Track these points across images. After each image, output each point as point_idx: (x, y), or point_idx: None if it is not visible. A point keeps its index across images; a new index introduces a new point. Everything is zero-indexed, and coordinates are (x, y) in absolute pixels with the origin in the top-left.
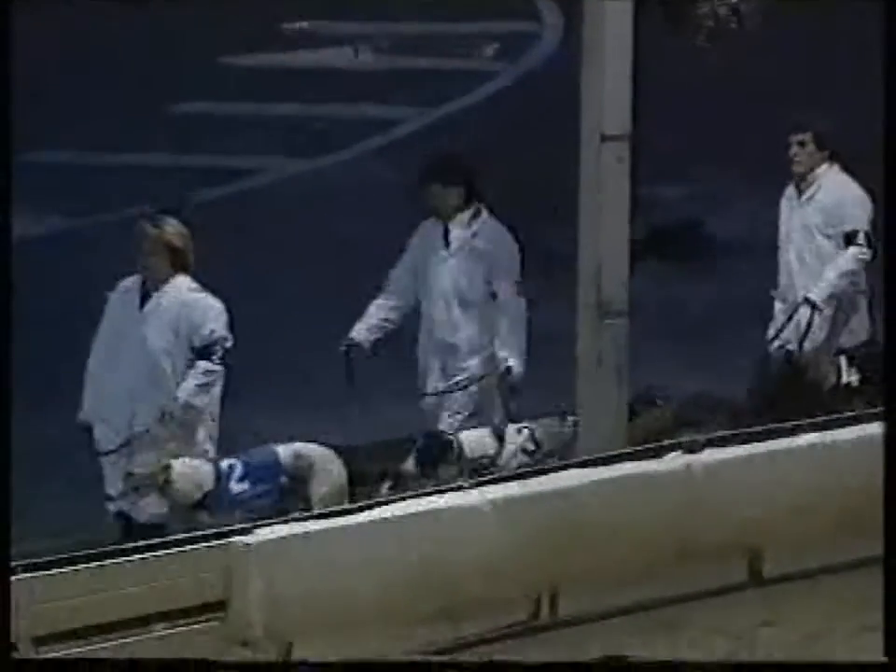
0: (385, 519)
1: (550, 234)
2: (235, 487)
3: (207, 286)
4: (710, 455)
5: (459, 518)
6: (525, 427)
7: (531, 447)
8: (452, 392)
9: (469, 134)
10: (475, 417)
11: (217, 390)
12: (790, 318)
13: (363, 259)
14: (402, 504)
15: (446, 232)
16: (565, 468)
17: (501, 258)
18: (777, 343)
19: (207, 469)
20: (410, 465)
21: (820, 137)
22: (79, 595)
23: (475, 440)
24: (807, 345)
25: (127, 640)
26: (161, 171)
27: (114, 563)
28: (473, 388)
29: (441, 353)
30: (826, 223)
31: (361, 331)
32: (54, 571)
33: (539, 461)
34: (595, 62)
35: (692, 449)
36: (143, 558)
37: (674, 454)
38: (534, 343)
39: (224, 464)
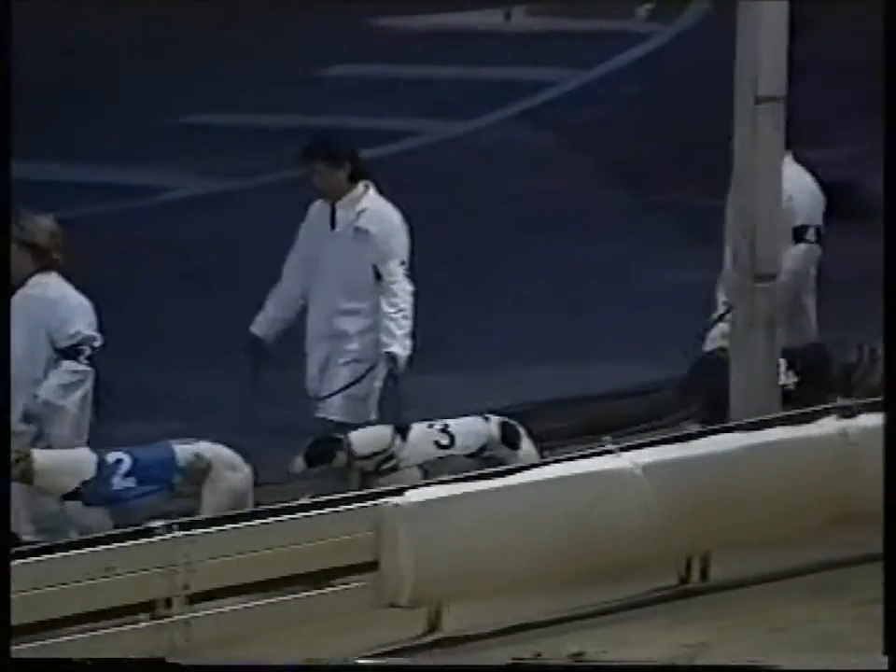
0: (536, 482)
1: (703, 196)
2: (119, 482)
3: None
4: (866, 419)
5: (611, 482)
6: (437, 422)
7: (445, 441)
8: (347, 388)
9: (621, 96)
10: (368, 408)
11: (85, 388)
12: (721, 317)
13: (518, 219)
14: (553, 467)
15: (333, 213)
16: (718, 432)
17: (388, 239)
18: (715, 344)
19: (85, 460)
20: (298, 465)
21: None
22: (236, 552)
23: (366, 436)
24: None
25: (285, 598)
26: (316, 132)
27: (268, 522)
28: (366, 378)
29: (329, 340)
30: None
31: (261, 326)
32: (213, 529)
33: (453, 458)
34: (751, 21)
35: (847, 414)
36: (294, 518)
37: (829, 418)
38: (683, 308)
39: (110, 457)
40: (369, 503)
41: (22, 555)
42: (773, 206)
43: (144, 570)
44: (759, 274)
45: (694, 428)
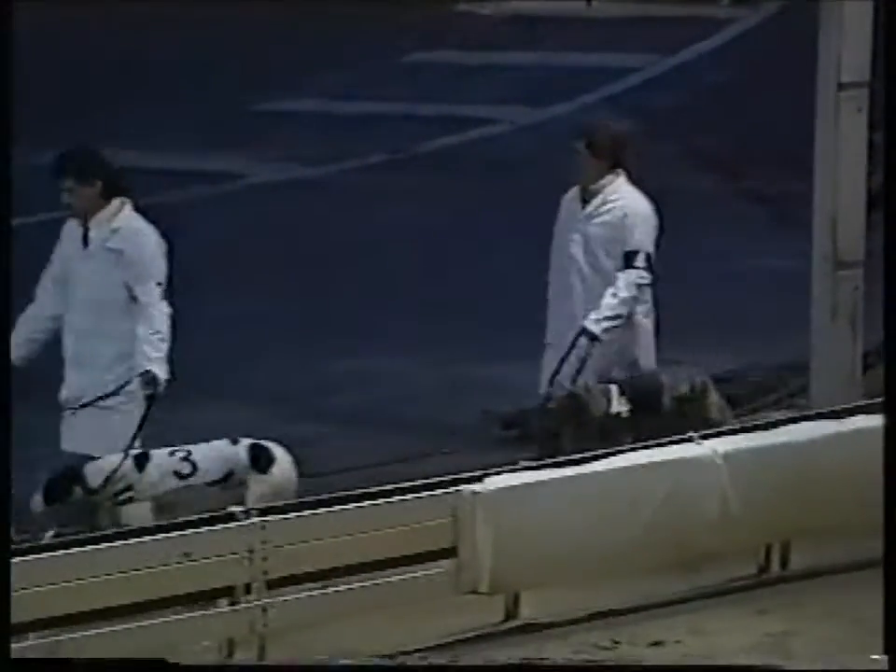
0: (615, 469)
1: (787, 183)
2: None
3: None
4: None
5: (691, 470)
6: (180, 450)
7: (186, 470)
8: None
9: (704, 82)
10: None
11: None
12: (571, 348)
13: None
14: (632, 455)
15: (86, 232)
16: (799, 420)
17: (141, 259)
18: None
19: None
20: (37, 503)
21: (595, 146)
22: (314, 538)
23: (98, 466)
24: (583, 378)
25: (364, 584)
26: (398, 119)
27: (347, 508)
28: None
29: (83, 364)
30: (610, 240)
31: (15, 348)
32: (292, 515)
33: (193, 487)
34: (835, 8)
35: None
36: (373, 504)
37: None
38: (770, 292)
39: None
40: (448, 490)
41: (96, 541)
42: (855, 194)
43: (222, 556)
44: (841, 262)
45: (775, 416)
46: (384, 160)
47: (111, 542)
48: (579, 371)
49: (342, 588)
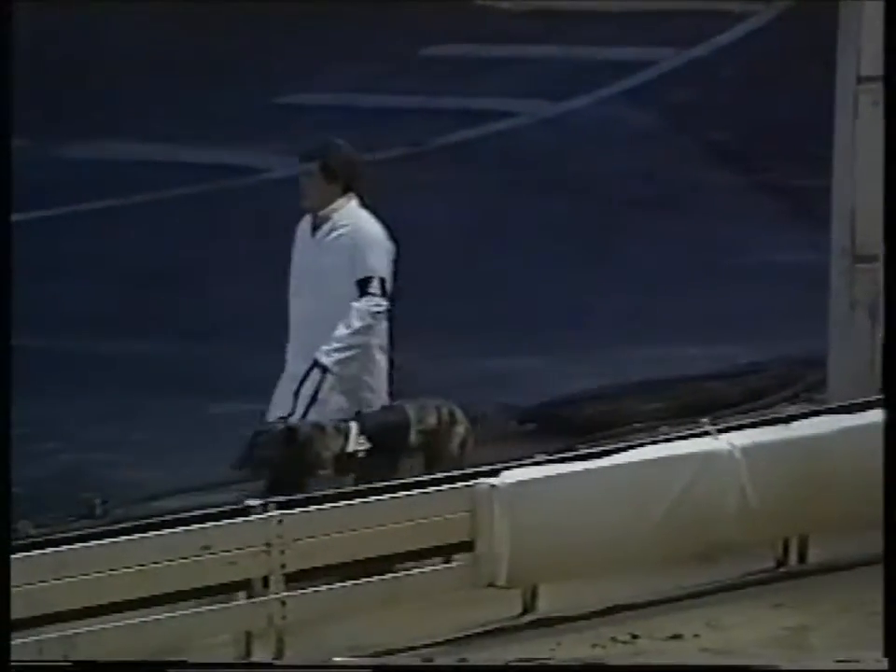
0: (633, 463)
1: (805, 177)
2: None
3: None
4: None
5: (708, 463)
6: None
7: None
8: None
9: (721, 76)
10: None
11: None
12: (303, 380)
13: (617, 199)
14: (649, 448)
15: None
16: (817, 414)
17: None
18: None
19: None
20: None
21: (328, 169)
22: (332, 532)
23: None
24: (313, 413)
25: (380, 578)
26: (416, 112)
27: (365, 501)
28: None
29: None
30: (342, 266)
31: None
32: (310, 508)
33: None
34: (853, 1)
35: None
36: (391, 497)
37: None
38: (788, 286)
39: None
40: (465, 483)
41: (114, 534)
42: (873, 188)
43: (240, 549)
44: (859, 256)
45: (793, 410)
46: (402, 153)
47: (130, 535)
48: (310, 405)
49: (359, 582)
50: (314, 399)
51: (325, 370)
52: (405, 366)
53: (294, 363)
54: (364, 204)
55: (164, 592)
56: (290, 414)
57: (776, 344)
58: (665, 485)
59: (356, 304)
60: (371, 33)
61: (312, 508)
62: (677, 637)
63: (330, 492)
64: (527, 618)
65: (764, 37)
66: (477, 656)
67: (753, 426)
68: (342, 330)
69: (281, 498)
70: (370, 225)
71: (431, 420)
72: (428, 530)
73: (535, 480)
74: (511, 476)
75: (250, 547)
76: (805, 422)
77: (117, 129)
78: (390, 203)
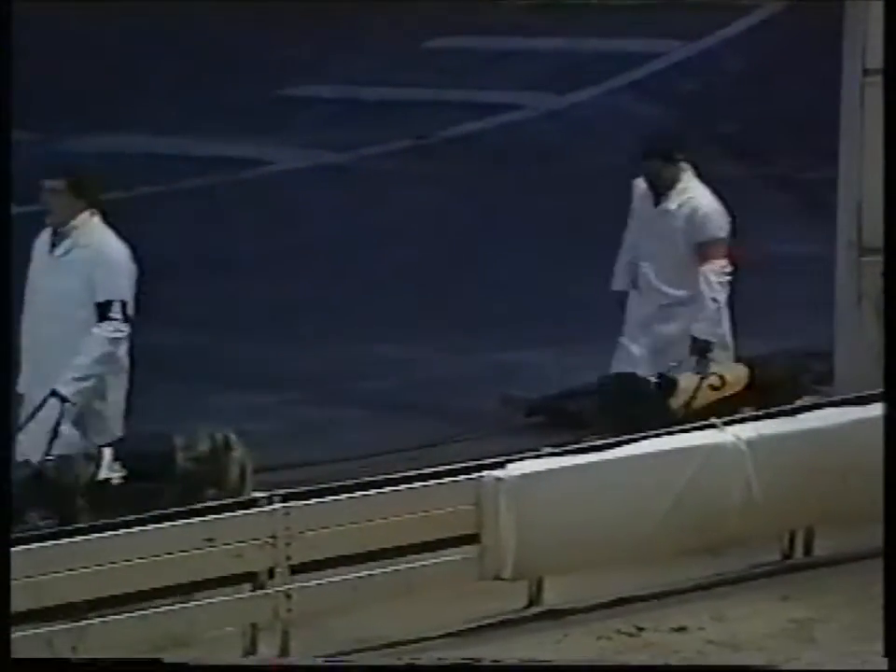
0: (639, 455)
1: (810, 169)
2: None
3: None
4: None
5: (714, 455)
6: None
7: None
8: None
9: (728, 68)
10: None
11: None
12: (38, 409)
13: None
14: (655, 441)
15: None
16: (823, 406)
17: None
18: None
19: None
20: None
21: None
22: (337, 524)
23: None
24: (57, 448)
25: (386, 570)
26: (423, 105)
27: (369, 494)
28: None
29: None
30: (82, 288)
31: None
32: (314, 501)
33: None
34: None
35: None
36: (396, 490)
37: None
38: (794, 277)
39: None
40: (471, 476)
41: (115, 527)
42: (879, 181)
43: (245, 542)
44: (866, 248)
45: (799, 402)
46: (408, 145)
47: (133, 528)
48: (53, 439)
49: (365, 574)
50: (55, 432)
51: (63, 400)
52: (411, 359)
53: (33, 390)
54: (108, 222)
55: (170, 584)
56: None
57: (782, 336)
58: (671, 478)
59: (95, 330)
60: (377, 25)
61: (318, 500)
62: (682, 629)
63: (337, 484)
64: (533, 610)
65: (771, 29)
66: (483, 648)
67: (759, 418)
68: (80, 360)
69: (285, 491)
70: (113, 245)
71: (203, 447)
72: (434, 523)
73: (541, 472)
74: (517, 469)
75: (256, 539)
76: (810, 414)
77: (124, 122)
78: (395, 194)
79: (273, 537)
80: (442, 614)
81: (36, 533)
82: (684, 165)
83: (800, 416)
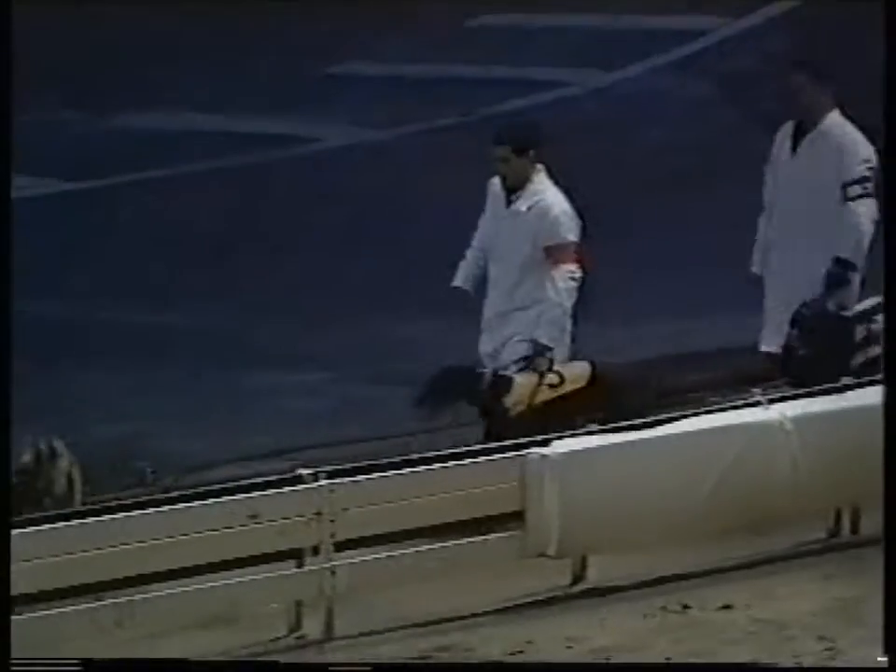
0: (684, 433)
1: None
2: None
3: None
4: None
5: (759, 434)
6: None
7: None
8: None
9: (772, 46)
10: None
11: None
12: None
13: (667, 169)
14: (701, 419)
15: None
16: (868, 384)
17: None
18: None
19: None
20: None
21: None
22: (382, 501)
23: None
24: None
25: (431, 547)
26: (467, 82)
27: (414, 471)
28: None
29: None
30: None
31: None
32: (360, 478)
33: None
34: None
35: None
36: (441, 467)
37: None
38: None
39: None
40: (516, 453)
41: (159, 504)
42: None
43: (290, 518)
44: None
45: (844, 381)
46: (453, 123)
47: (178, 504)
48: None
49: (409, 551)
50: None
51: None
52: (451, 337)
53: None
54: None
55: (214, 560)
56: None
57: None
58: (716, 456)
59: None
60: (421, 2)
61: (363, 477)
62: (727, 607)
63: (381, 461)
64: (577, 588)
65: (818, 8)
66: (527, 626)
67: (805, 396)
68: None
69: (330, 468)
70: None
71: (26, 458)
72: (479, 500)
73: (586, 450)
74: (561, 446)
75: (300, 516)
76: (856, 392)
77: (167, 99)
78: (439, 172)
79: (317, 513)
80: (486, 592)
81: (82, 510)
82: (539, 166)
83: (846, 395)
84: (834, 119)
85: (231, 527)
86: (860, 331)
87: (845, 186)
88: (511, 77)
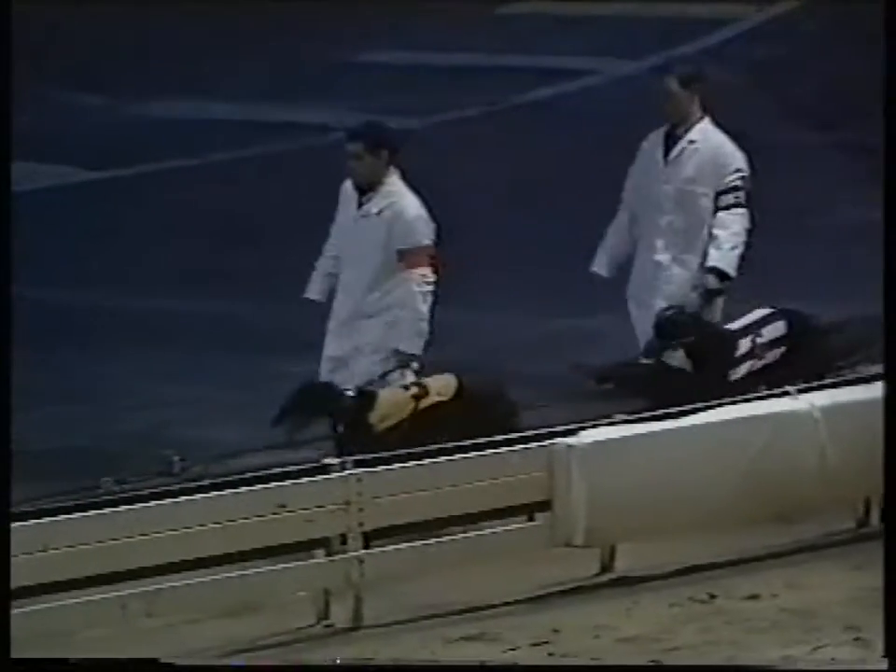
0: (712, 423)
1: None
2: None
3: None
4: None
5: (788, 423)
6: None
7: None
8: None
9: (801, 34)
10: None
11: None
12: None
13: None
14: (730, 408)
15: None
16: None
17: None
18: None
19: None
20: None
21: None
22: (409, 491)
23: None
24: None
25: (467, 535)
26: (493, 70)
27: (441, 461)
28: None
29: None
30: None
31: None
32: (387, 468)
33: None
34: None
35: None
36: (467, 457)
37: None
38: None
39: None
40: (543, 443)
41: (189, 492)
42: None
43: (318, 508)
44: None
45: (874, 370)
46: (479, 111)
47: (207, 493)
48: None
49: (436, 540)
50: None
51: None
52: (481, 324)
53: None
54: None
55: (242, 549)
56: None
57: (858, 303)
58: (745, 445)
59: None
60: None
61: (391, 466)
62: (755, 597)
63: (410, 451)
64: (605, 577)
65: None
66: (554, 616)
67: (834, 385)
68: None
69: (360, 456)
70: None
71: None
72: (506, 489)
73: (613, 440)
74: (589, 436)
75: (328, 505)
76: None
77: (194, 87)
78: (466, 160)
79: (346, 503)
80: (514, 581)
81: (111, 498)
82: (392, 168)
83: (875, 384)
84: (706, 127)
85: (260, 516)
86: (743, 344)
87: (717, 195)
88: (538, 66)
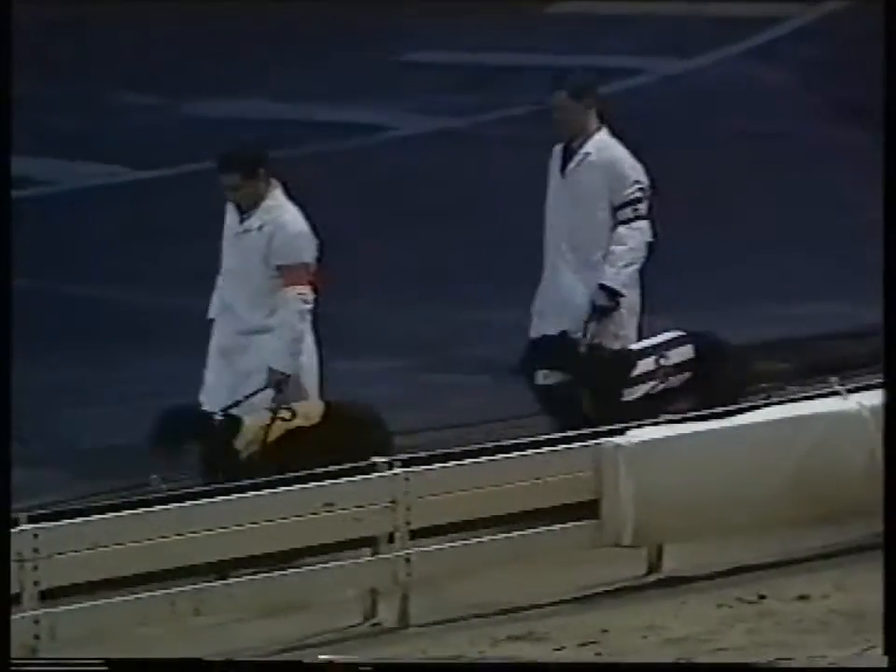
0: (761, 423)
1: None
2: None
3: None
4: None
5: (837, 423)
6: None
7: None
8: None
9: (850, 33)
10: None
11: None
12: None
13: (743, 157)
14: (778, 408)
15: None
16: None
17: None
18: None
19: None
20: None
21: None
22: (457, 490)
23: None
24: None
25: (506, 536)
26: (541, 70)
27: (489, 460)
28: None
29: None
30: None
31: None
32: (434, 466)
33: None
34: None
35: None
36: (516, 456)
37: None
38: None
39: None
40: (590, 443)
41: (242, 490)
42: None
43: (365, 506)
44: None
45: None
46: (528, 111)
47: (256, 492)
48: None
49: (484, 539)
50: None
51: None
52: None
53: None
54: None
55: (290, 548)
56: None
57: None
58: (793, 446)
59: None
60: None
61: (438, 466)
62: (804, 597)
63: (457, 450)
64: (652, 577)
65: None
66: (602, 616)
67: (883, 385)
68: None
69: (406, 456)
70: None
71: None
72: (554, 489)
73: (661, 439)
74: (636, 435)
75: (376, 504)
76: None
77: (243, 87)
78: (515, 159)
79: (392, 501)
80: (561, 581)
81: (156, 496)
82: (274, 182)
83: None
84: (602, 138)
85: (308, 515)
86: (643, 365)
87: (615, 210)
88: (586, 66)
